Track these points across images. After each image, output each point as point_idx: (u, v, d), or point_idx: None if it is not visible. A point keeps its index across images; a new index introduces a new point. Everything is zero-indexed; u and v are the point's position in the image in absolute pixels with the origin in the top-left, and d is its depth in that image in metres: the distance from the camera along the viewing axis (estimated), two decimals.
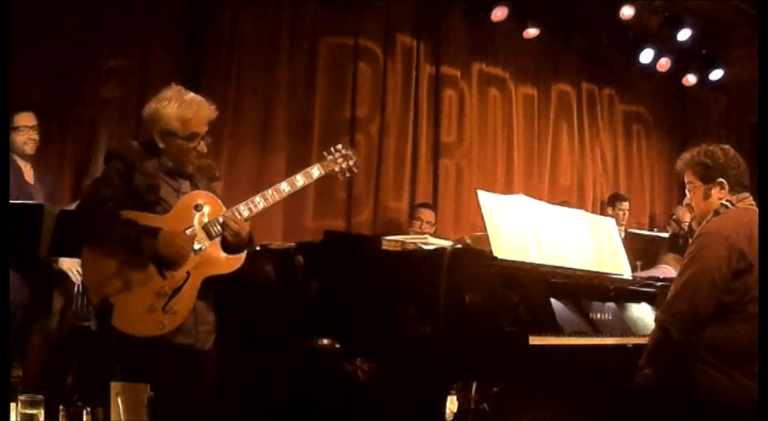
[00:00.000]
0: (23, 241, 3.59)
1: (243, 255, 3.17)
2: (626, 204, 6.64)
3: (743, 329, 2.98)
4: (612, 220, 4.08)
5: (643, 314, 3.69)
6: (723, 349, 2.98)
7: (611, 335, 3.39)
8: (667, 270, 4.45)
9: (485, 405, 3.21)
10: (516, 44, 6.84)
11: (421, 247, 3.37)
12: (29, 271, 3.97)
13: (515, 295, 3.14)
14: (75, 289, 4.19)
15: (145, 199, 3.06)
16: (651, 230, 6.30)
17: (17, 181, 4.14)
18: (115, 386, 2.48)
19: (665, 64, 7.26)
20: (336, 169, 3.42)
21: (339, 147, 3.46)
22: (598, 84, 7.50)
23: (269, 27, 5.66)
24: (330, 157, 3.42)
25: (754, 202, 3.20)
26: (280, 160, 5.55)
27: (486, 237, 3.26)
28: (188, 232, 3.07)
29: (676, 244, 5.64)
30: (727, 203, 3.15)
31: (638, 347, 3.21)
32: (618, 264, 3.80)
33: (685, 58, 7.35)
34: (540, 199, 3.75)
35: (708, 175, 3.20)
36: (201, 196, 3.16)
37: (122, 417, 2.44)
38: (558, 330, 3.20)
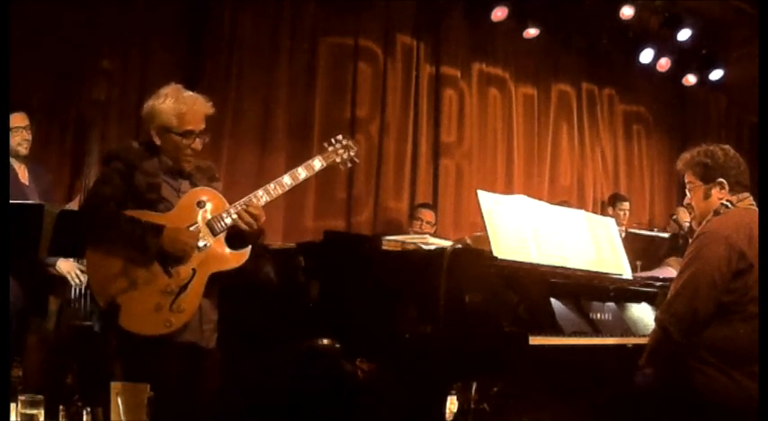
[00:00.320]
0: (23, 241, 3.58)
1: (248, 250, 3.16)
2: (626, 204, 6.64)
3: (743, 329, 2.98)
4: (612, 220, 4.08)
5: (643, 314, 3.69)
6: (723, 349, 2.98)
7: (611, 335, 3.39)
8: (669, 271, 4.45)
9: (485, 405, 3.21)
10: (516, 44, 6.85)
11: (421, 247, 3.37)
12: (24, 273, 3.95)
13: (515, 295, 3.14)
14: (73, 290, 4.18)
15: (147, 197, 3.06)
16: (651, 230, 6.29)
17: (12, 182, 4.13)
18: (115, 386, 2.48)
19: (665, 64, 7.27)
20: (338, 160, 3.41)
21: (339, 137, 3.44)
22: (598, 84, 7.50)
23: (269, 27, 5.66)
24: (331, 148, 3.40)
25: (754, 202, 3.20)
26: (280, 160, 5.55)
27: (486, 237, 3.25)
28: (192, 229, 3.07)
29: (676, 244, 5.64)
30: (728, 203, 3.15)
31: (638, 347, 3.21)
32: (618, 264, 3.80)
33: (685, 58, 7.35)
34: (540, 199, 3.74)
35: (708, 175, 3.20)
36: (204, 193, 3.16)
37: (122, 417, 2.43)
38: (558, 330, 3.20)
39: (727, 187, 3.18)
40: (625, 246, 3.93)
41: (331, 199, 5.84)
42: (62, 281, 4.18)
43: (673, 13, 6.93)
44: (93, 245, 3.03)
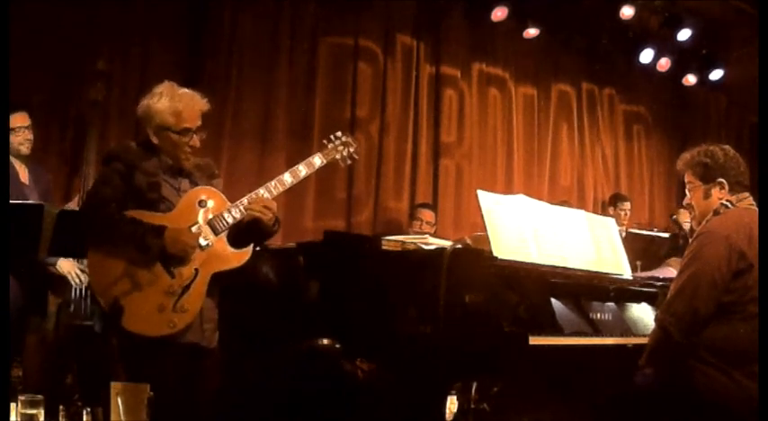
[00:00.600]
0: (23, 241, 3.58)
1: (249, 249, 3.16)
2: (627, 204, 6.64)
3: (743, 329, 2.98)
4: (612, 220, 4.08)
5: (643, 314, 3.69)
6: (723, 349, 2.98)
7: (611, 335, 3.39)
8: (669, 271, 4.45)
9: (485, 405, 3.21)
10: (516, 44, 6.85)
11: (421, 247, 3.37)
12: (24, 272, 3.96)
13: (515, 295, 3.14)
14: (73, 290, 4.18)
15: (147, 197, 3.06)
16: (651, 230, 6.29)
17: (12, 181, 4.13)
18: (115, 386, 2.48)
19: (665, 64, 7.27)
20: (338, 157, 3.41)
21: (339, 134, 3.45)
22: (598, 84, 7.50)
23: (269, 27, 5.66)
24: (331, 145, 3.41)
25: (754, 202, 3.20)
26: (280, 160, 5.54)
27: (486, 237, 3.26)
28: (193, 229, 3.06)
29: (676, 244, 5.63)
30: (727, 203, 3.15)
31: (638, 347, 3.21)
32: (618, 264, 3.80)
33: (685, 58, 7.35)
34: (540, 199, 3.74)
35: (708, 175, 3.20)
36: (205, 192, 3.15)
37: (122, 417, 2.44)
38: (558, 330, 3.20)
39: (726, 187, 3.18)
40: (625, 246, 3.93)
41: (331, 199, 5.84)
42: (62, 281, 4.18)
43: (673, 13, 6.93)
44: (94, 246, 3.02)
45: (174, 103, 3.09)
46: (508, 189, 6.46)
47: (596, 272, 3.63)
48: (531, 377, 3.20)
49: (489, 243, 3.23)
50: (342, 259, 3.48)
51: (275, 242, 4.26)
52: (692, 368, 3.01)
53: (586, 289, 3.52)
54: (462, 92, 6.58)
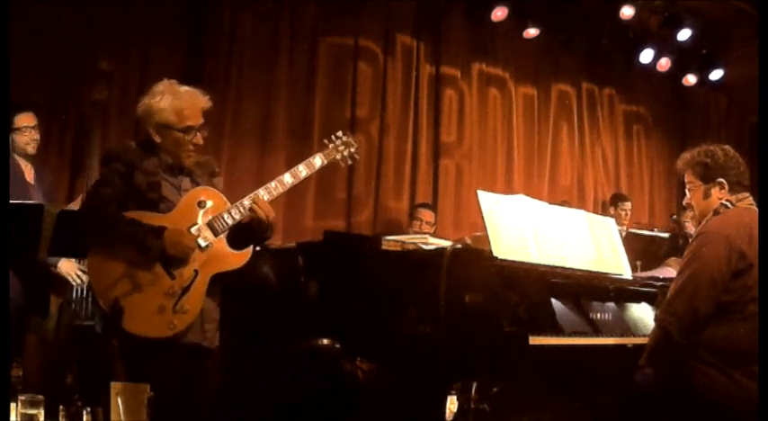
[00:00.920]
0: (23, 241, 3.59)
1: (249, 250, 3.15)
2: (628, 204, 6.64)
3: (743, 329, 2.98)
4: (612, 220, 4.08)
5: (643, 314, 3.69)
6: (723, 349, 2.98)
7: (611, 335, 3.39)
8: (669, 271, 4.45)
9: (485, 405, 3.21)
10: (516, 44, 6.84)
11: (421, 247, 3.38)
12: (25, 272, 3.96)
13: (515, 295, 3.14)
14: (74, 290, 4.18)
15: (147, 197, 3.05)
16: (651, 230, 6.29)
17: (18, 180, 4.15)
18: (115, 386, 2.48)
19: (665, 64, 7.26)
20: (338, 157, 3.40)
21: (339, 134, 3.44)
22: (598, 84, 7.50)
23: (269, 27, 5.66)
24: (332, 145, 3.40)
25: (754, 202, 3.20)
26: (280, 160, 5.54)
27: (486, 237, 3.26)
28: (192, 230, 3.05)
29: (676, 244, 5.64)
30: (727, 203, 3.15)
31: (638, 347, 3.21)
32: (618, 264, 3.80)
33: (685, 58, 7.35)
34: (540, 199, 3.74)
35: (708, 175, 3.20)
36: (204, 192, 3.14)
37: (122, 417, 2.44)
38: (558, 330, 3.20)
39: (726, 187, 3.18)
40: (625, 246, 3.93)
41: (331, 199, 5.84)
42: (63, 281, 4.18)
43: (673, 13, 6.93)
44: (94, 247, 3.02)
45: (175, 101, 3.08)
46: (508, 189, 6.45)
47: (596, 272, 3.63)
48: (531, 377, 3.20)
49: (489, 243, 3.23)
50: (342, 259, 3.48)
51: (275, 242, 4.27)
52: (692, 368, 3.01)
53: (586, 289, 3.52)
54: (462, 92, 6.58)
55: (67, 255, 4.04)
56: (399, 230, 5.61)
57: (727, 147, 3.27)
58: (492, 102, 6.79)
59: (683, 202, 3.37)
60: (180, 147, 3.11)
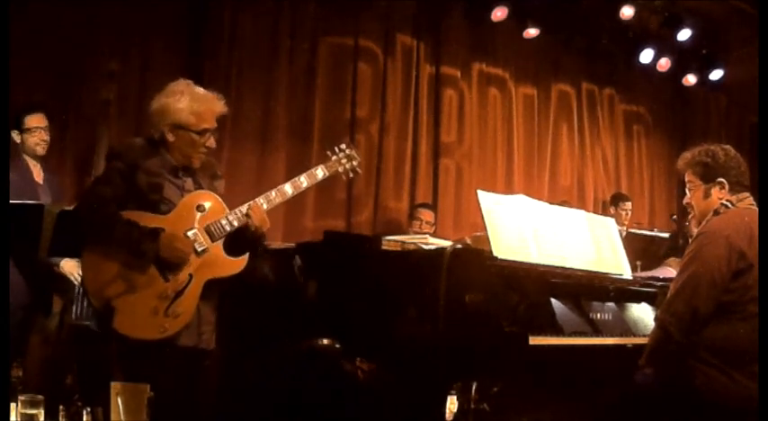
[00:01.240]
0: (23, 241, 3.59)
1: (246, 257, 3.14)
2: (629, 204, 6.64)
3: (743, 329, 2.98)
4: (612, 220, 4.08)
5: (643, 314, 3.69)
6: (723, 349, 2.98)
7: (611, 335, 3.39)
8: (669, 271, 4.45)
9: (485, 405, 3.21)
10: (516, 44, 6.84)
11: (421, 247, 3.37)
12: (29, 271, 3.98)
13: (515, 295, 3.14)
14: (76, 290, 4.19)
15: (149, 198, 3.04)
16: (651, 230, 6.29)
17: (27, 180, 4.18)
18: (115, 386, 2.48)
19: (665, 64, 7.26)
20: (340, 169, 3.40)
21: (343, 146, 3.43)
22: (598, 84, 7.50)
23: (269, 27, 5.66)
24: (334, 158, 3.40)
25: (754, 202, 3.20)
26: (280, 160, 5.55)
27: (486, 237, 3.25)
28: (189, 234, 3.05)
29: (676, 244, 5.64)
30: (728, 203, 3.15)
31: (638, 347, 3.21)
32: (618, 264, 3.80)
33: (685, 58, 7.35)
34: (540, 199, 3.74)
35: (708, 175, 3.20)
36: (204, 196, 3.13)
37: (122, 417, 2.43)
38: (558, 330, 3.20)
39: (727, 187, 3.18)
40: (625, 246, 3.93)
41: (331, 199, 5.84)
42: (66, 280, 4.19)
43: (673, 13, 6.93)
44: (89, 246, 3.01)
45: (194, 102, 3.08)
46: (508, 189, 6.46)
47: (596, 272, 3.63)
48: (531, 377, 3.20)
49: (489, 243, 3.23)
50: (342, 259, 3.47)
51: (275, 242, 4.27)
52: (692, 368, 3.01)
53: (586, 289, 3.52)
54: (462, 92, 6.58)
55: (68, 254, 4.05)
56: (399, 230, 5.60)
57: (727, 146, 3.27)
58: (492, 102, 6.79)
59: (683, 202, 3.37)
60: (193, 148, 3.10)
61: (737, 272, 3.01)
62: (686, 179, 3.28)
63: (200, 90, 3.15)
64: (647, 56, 7.14)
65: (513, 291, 3.14)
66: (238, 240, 3.14)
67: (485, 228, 3.28)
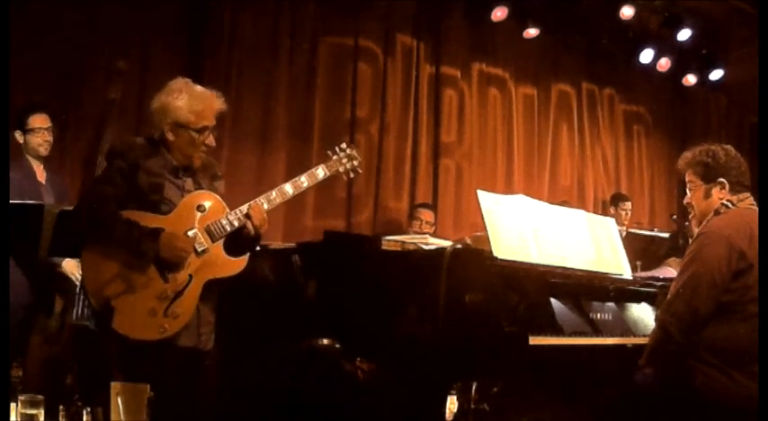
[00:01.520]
0: (23, 241, 3.59)
1: (246, 257, 3.14)
2: (629, 204, 6.64)
3: (743, 329, 2.97)
4: (612, 220, 4.08)
5: (643, 314, 3.69)
6: (723, 349, 2.98)
7: (611, 335, 3.39)
8: (669, 271, 4.45)
9: (485, 405, 3.21)
10: (516, 44, 6.84)
11: (421, 247, 3.37)
12: (30, 271, 3.98)
13: (515, 295, 3.14)
14: (77, 290, 4.19)
15: (149, 198, 3.03)
16: (651, 230, 6.28)
17: (30, 180, 4.19)
18: (115, 386, 2.48)
19: (665, 64, 7.26)
20: (341, 169, 3.39)
21: (343, 146, 3.42)
22: (598, 84, 7.50)
23: (269, 27, 5.66)
24: (335, 157, 3.39)
25: (754, 202, 3.20)
26: (280, 160, 5.55)
27: (486, 237, 3.25)
28: (189, 234, 3.04)
29: (676, 244, 5.63)
30: (728, 203, 3.15)
31: (638, 347, 3.21)
32: (618, 264, 3.80)
33: (685, 58, 7.35)
34: (540, 199, 3.74)
35: (708, 175, 3.20)
36: (204, 197, 3.13)
37: (122, 417, 2.43)
38: (558, 330, 3.20)
39: (727, 187, 3.18)
40: (625, 246, 3.93)
41: (331, 199, 5.84)
42: (68, 280, 4.19)
43: (673, 13, 6.93)
44: (89, 245, 3.01)
45: (193, 100, 3.08)
46: (508, 189, 6.46)
47: (596, 272, 3.63)
48: (531, 377, 3.20)
49: (489, 243, 3.23)
50: (342, 259, 3.47)
51: (275, 242, 4.27)
52: (692, 368, 3.01)
53: (586, 289, 3.52)
54: (462, 92, 6.58)
55: (68, 254, 4.04)
56: (399, 230, 5.60)
57: (728, 146, 3.27)
58: (492, 102, 6.79)
59: (684, 202, 3.37)
60: (194, 147, 3.10)
61: (738, 272, 3.01)
62: (687, 179, 3.28)
63: (199, 88, 3.15)
64: (647, 56, 7.14)
65: (513, 291, 3.14)
66: (238, 240, 3.14)
67: (485, 228, 3.28)
